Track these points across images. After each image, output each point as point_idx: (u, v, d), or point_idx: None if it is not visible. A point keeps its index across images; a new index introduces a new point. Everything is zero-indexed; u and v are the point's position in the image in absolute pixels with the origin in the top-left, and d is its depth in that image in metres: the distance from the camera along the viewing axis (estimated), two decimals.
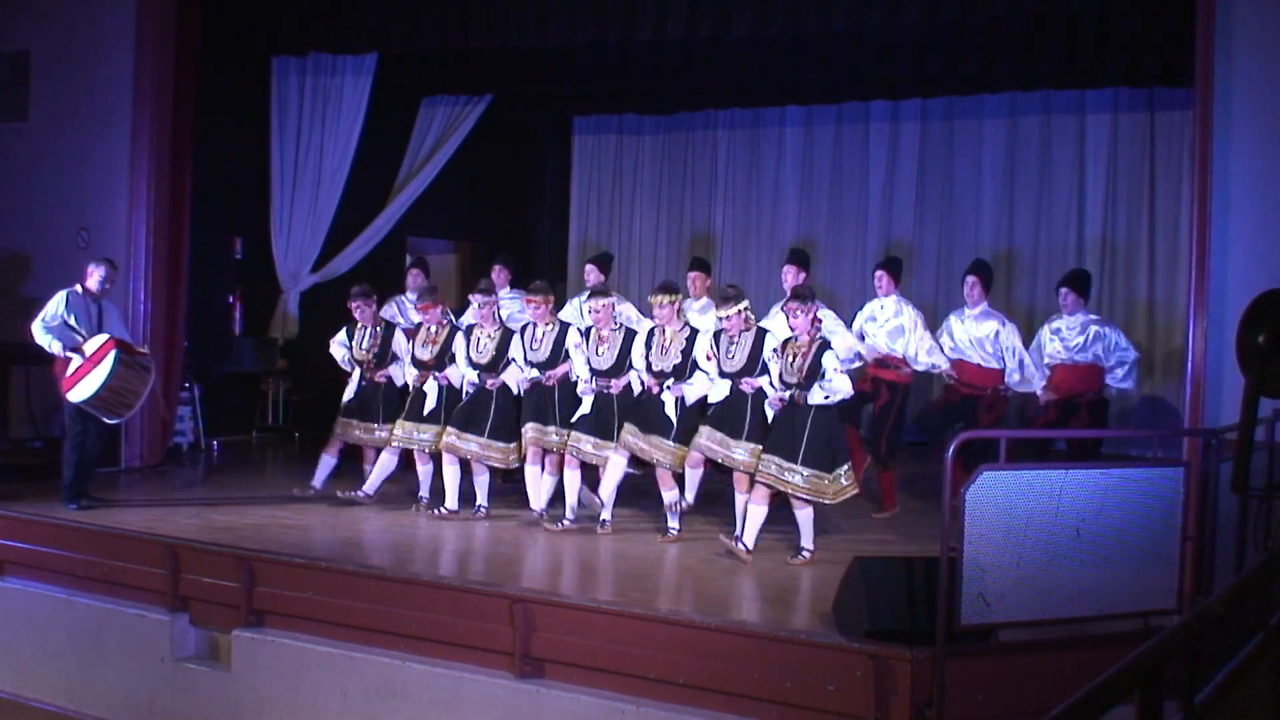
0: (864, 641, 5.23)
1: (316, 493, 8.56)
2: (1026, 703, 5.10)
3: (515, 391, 8.01)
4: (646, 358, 7.44)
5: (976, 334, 8.06)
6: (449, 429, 7.98)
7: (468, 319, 8.66)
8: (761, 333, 7.15)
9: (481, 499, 8.10)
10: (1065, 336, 7.74)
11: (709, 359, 7.23)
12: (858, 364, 8.35)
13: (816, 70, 10.88)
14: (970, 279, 8.19)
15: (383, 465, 8.43)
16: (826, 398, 6.73)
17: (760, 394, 7.06)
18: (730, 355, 7.12)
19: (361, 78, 11.18)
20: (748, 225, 13.56)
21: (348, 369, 8.71)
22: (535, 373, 7.84)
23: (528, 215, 15.08)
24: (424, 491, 8.36)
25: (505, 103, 12.63)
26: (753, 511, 6.92)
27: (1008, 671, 5.29)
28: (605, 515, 7.63)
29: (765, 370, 7.05)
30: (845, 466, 6.81)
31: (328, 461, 8.66)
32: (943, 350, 8.17)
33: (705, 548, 7.23)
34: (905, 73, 10.64)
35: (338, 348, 8.70)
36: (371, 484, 8.45)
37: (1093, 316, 8.05)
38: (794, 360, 6.85)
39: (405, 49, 10.32)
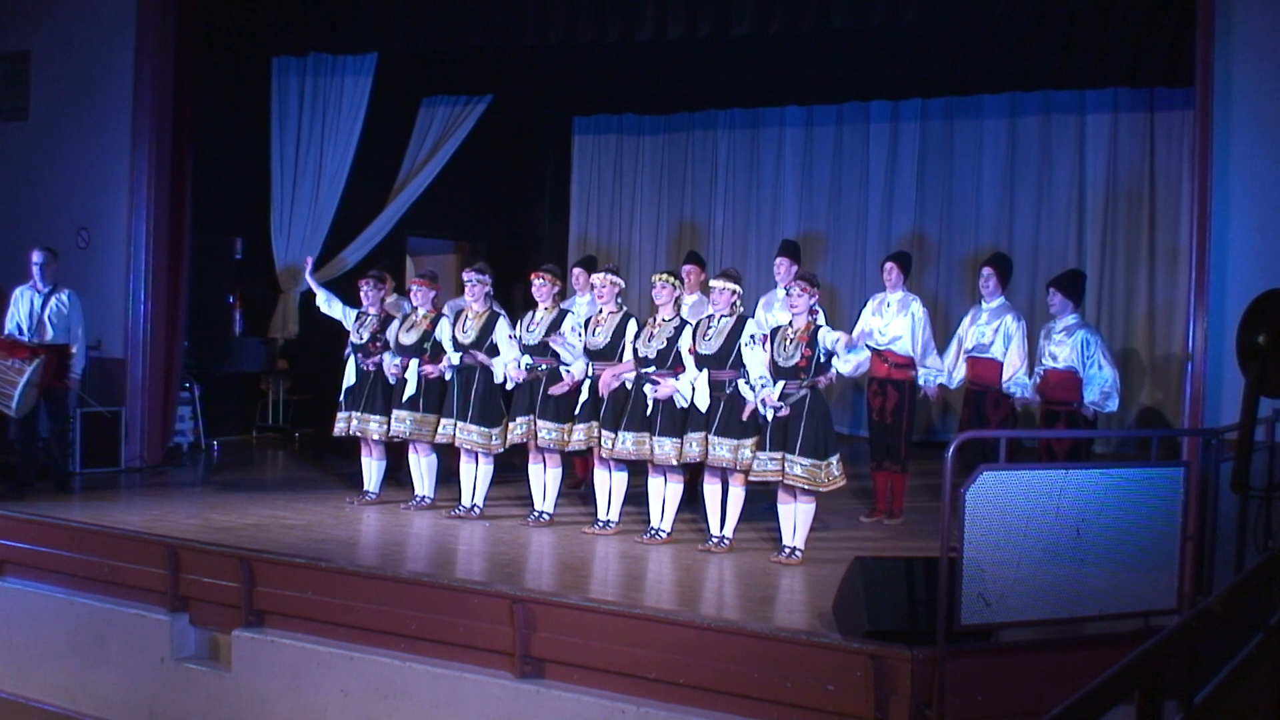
0: (864, 641, 5.23)
1: (375, 499, 8.53)
2: (1026, 703, 5.10)
3: (500, 379, 7.89)
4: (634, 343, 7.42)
5: (987, 330, 7.95)
6: (441, 420, 7.98)
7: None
8: (742, 319, 7.13)
9: (478, 498, 8.08)
10: (1054, 339, 7.66)
11: (690, 352, 7.20)
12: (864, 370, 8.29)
13: (816, 70, 10.89)
14: (986, 270, 8.11)
15: (379, 463, 8.52)
16: (856, 368, 6.76)
17: (735, 391, 7.01)
18: (707, 338, 7.11)
19: (361, 78, 11.20)
20: (748, 225, 13.57)
21: (327, 312, 8.66)
22: (528, 359, 7.80)
23: (528, 215, 15.10)
24: (419, 490, 8.38)
25: (505, 103, 12.65)
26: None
27: (1008, 671, 5.29)
28: (610, 516, 7.66)
29: (741, 361, 7.01)
30: (836, 456, 6.81)
31: (370, 464, 8.56)
32: (950, 356, 8.09)
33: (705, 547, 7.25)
34: (905, 73, 10.65)
35: (337, 309, 8.58)
36: (375, 482, 8.52)
37: (1083, 322, 7.87)
38: (790, 345, 6.84)
39: (405, 49, 10.31)
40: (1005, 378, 7.72)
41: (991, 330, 7.87)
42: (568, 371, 7.63)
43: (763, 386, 6.84)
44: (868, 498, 8.61)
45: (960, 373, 8.07)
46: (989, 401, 7.82)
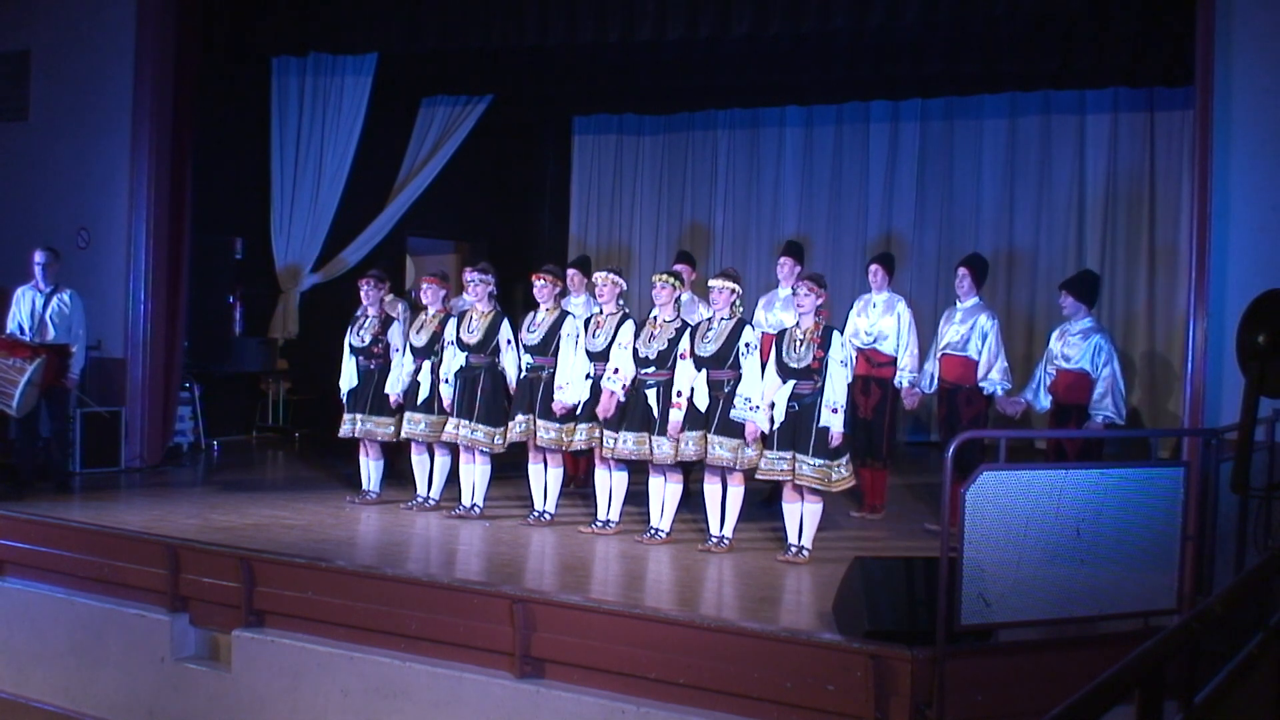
0: (864, 641, 5.23)
1: (375, 498, 8.55)
2: (1026, 703, 5.09)
3: (510, 379, 7.90)
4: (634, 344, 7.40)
5: (962, 328, 7.94)
6: (448, 419, 7.97)
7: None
8: (741, 323, 7.12)
9: (477, 497, 8.07)
10: (1068, 341, 7.65)
11: (684, 357, 7.18)
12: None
13: (816, 70, 10.89)
14: (961, 271, 8.12)
15: (378, 464, 8.53)
16: (834, 410, 6.72)
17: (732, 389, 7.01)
18: (706, 340, 7.10)
19: (361, 78, 11.19)
20: (747, 225, 13.57)
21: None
22: (529, 359, 7.81)
23: (528, 215, 15.09)
24: (420, 490, 8.38)
25: (505, 103, 12.64)
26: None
27: (1008, 671, 5.29)
28: (611, 516, 7.66)
29: (738, 363, 7.01)
30: (845, 456, 6.82)
31: (369, 464, 8.57)
32: (929, 360, 8.10)
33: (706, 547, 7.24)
34: (905, 73, 10.65)
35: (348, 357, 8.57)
36: (375, 482, 8.54)
37: (1099, 326, 7.81)
38: (800, 346, 6.83)
39: (405, 49, 10.32)
40: (980, 375, 7.73)
41: (966, 329, 7.87)
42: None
43: (749, 407, 6.86)
44: (851, 496, 8.58)
45: (934, 370, 8.05)
46: (961, 399, 7.83)
